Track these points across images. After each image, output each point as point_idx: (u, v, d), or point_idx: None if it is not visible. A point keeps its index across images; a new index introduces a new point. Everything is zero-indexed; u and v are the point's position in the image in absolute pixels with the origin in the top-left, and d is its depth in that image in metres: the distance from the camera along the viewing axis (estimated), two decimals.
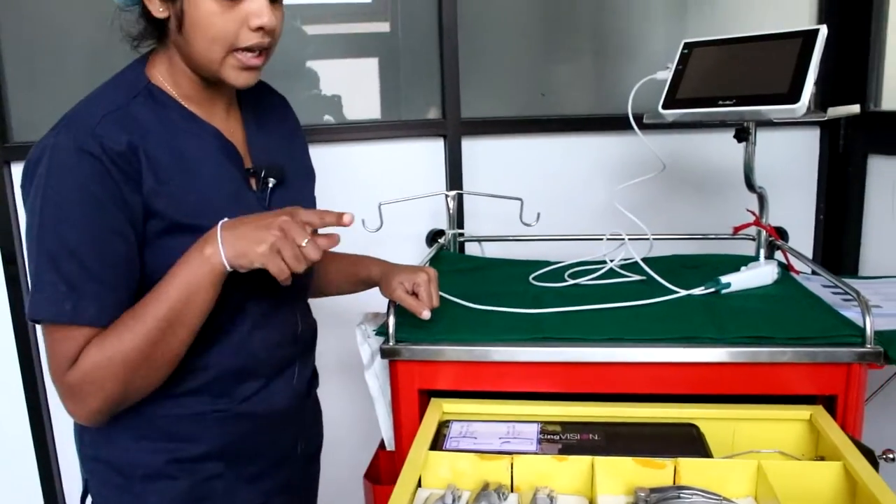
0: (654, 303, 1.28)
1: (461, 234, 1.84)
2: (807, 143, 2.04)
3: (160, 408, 1.03)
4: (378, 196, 1.69)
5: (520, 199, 1.68)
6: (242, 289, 1.05)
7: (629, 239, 1.46)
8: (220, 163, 1.05)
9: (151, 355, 0.95)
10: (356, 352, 1.33)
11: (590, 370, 1.16)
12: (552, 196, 1.94)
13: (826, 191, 2.04)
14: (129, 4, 1.01)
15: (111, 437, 1.05)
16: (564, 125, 2.01)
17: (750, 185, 1.48)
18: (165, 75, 1.04)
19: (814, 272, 1.51)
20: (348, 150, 1.98)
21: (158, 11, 0.98)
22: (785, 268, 1.49)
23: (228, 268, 0.94)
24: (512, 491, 1.04)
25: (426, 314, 1.16)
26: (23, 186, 0.98)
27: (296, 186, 1.16)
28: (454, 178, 1.97)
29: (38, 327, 1.15)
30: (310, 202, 1.21)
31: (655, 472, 1.00)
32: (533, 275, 1.51)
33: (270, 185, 1.10)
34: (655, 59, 1.95)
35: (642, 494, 0.97)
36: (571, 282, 1.44)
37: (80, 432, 1.10)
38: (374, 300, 1.37)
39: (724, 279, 1.33)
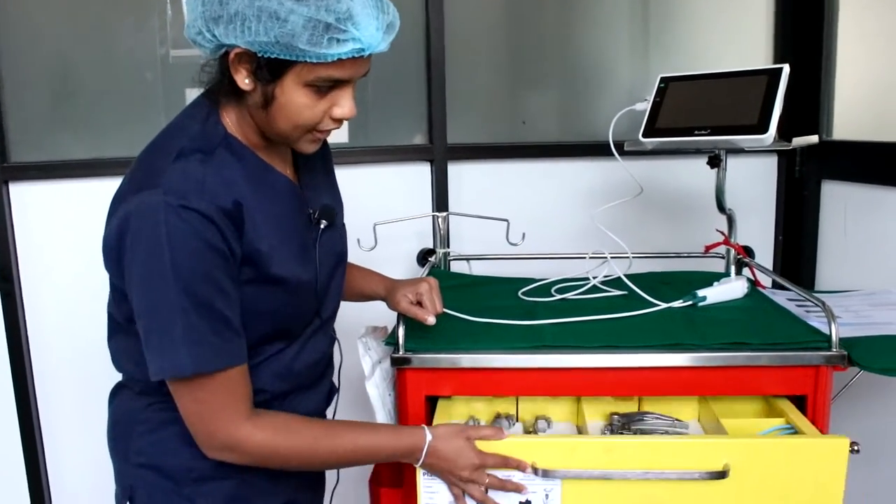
0: (639, 314, 1.38)
1: (449, 253, 1.91)
2: (766, 170, 2.16)
3: None
4: (367, 216, 1.74)
5: (506, 220, 1.77)
6: (302, 316, 1.13)
7: (611, 257, 1.57)
8: (294, 215, 1.11)
9: (319, 462, 1.10)
10: (357, 363, 1.40)
11: (584, 375, 1.25)
12: (532, 218, 1.99)
13: (784, 213, 2.17)
14: (211, 57, 1.01)
15: (166, 446, 1.09)
16: (545, 151, 2.09)
17: (721, 207, 1.59)
18: (236, 125, 1.06)
19: (776, 285, 1.63)
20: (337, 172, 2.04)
21: (244, 84, 0.99)
22: (753, 283, 1.60)
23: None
24: (517, 420, 1.36)
25: (431, 320, 1.23)
26: (120, 242, 0.98)
27: (338, 223, 1.23)
28: (441, 200, 2.03)
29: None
30: (344, 233, 1.27)
31: (625, 403, 1.32)
32: (521, 290, 1.59)
33: (322, 226, 1.15)
34: (621, 92, 2.08)
35: (615, 418, 1.29)
36: (559, 297, 1.53)
37: (128, 442, 1.13)
38: (371, 314, 1.46)
39: (700, 293, 1.43)
